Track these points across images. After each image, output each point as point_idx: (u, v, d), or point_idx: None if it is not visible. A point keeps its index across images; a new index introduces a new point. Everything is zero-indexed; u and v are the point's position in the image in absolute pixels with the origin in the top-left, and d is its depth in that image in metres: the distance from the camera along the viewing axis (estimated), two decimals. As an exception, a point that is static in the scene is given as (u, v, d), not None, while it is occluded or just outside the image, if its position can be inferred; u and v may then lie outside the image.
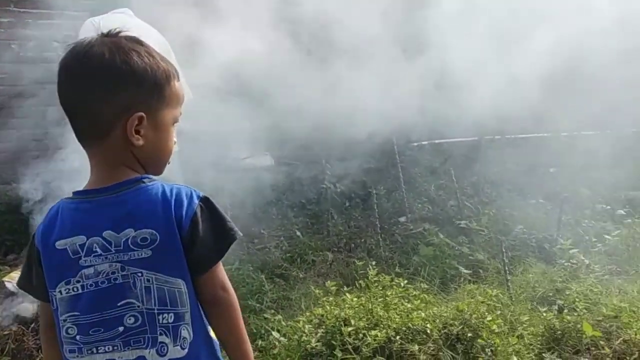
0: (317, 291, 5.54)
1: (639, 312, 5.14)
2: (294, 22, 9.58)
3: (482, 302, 5.07)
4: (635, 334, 4.69)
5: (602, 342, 4.67)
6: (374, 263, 6.11)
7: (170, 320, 2.16)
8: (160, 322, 2.15)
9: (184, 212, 2.14)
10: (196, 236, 2.16)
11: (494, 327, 5.00)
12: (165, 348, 2.15)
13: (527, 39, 11.25)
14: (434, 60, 11.18)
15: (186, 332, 2.18)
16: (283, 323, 5.67)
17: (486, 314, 5.01)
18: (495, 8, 10.90)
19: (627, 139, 11.89)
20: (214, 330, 2.33)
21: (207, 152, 9.34)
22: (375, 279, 5.28)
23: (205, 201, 2.23)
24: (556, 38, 11.07)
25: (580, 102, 11.84)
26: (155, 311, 2.14)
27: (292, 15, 9.51)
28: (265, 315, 6.07)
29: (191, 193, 2.21)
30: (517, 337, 5.08)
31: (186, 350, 2.18)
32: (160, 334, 2.15)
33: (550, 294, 6.24)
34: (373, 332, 4.41)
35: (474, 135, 11.91)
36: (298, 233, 9.35)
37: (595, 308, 5.46)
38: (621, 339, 4.79)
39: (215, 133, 9.45)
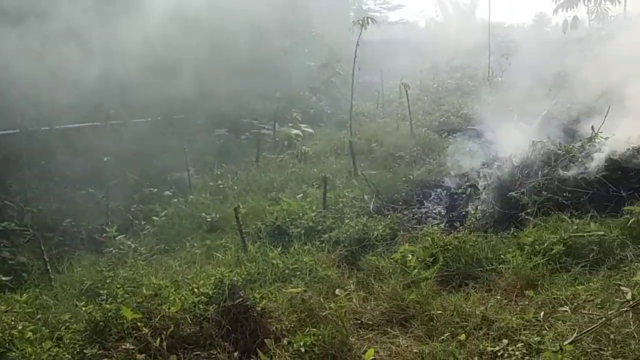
0: None
1: (171, 288, 5.40)
2: None
3: (7, 311, 4.44)
4: (170, 308, 4.91)
5: (140, 324, 4.70)
6: None
7: None
8: None
9: None
10: None
11: (29, 334, 4.48)
12: None
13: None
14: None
15: None
16: None
17: (17, 323, 4.42)
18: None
19: (174, 125, 12.75)
20: None
21: None
22: None
23: None
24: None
25: (133, 92, 12.15)
26: None
27: None
28: None
29: None
30: (56, 339, 4.69)
31: None
32: None
33: (99, 285, 6.05)
34: None
35: (13, 127, 10.72)
36: None
37: (138, 290, 5.49)
38: (160, 315, 4.93)
39: None
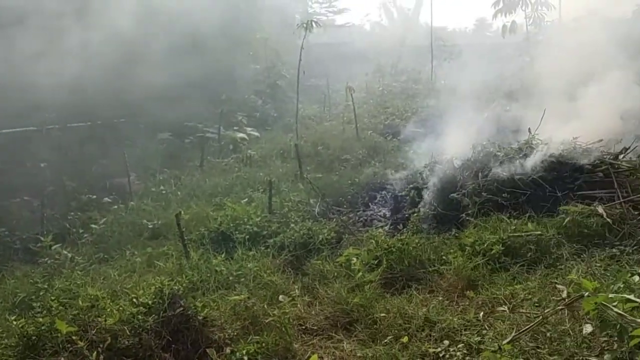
0: None
1: (108, 298, 5.20)
2: None
3: None
4: (106, 320, 4.72)
5: (76, 337, 4.51)
6: None
7: None
8: None
9: None
10: None
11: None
12: None
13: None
14: None
15: None
16: None
17: None
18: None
19: (116, 129, 12.41)
20: None
21: None
22: None
23: None
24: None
25: (73, 95, 11.73)
26: None
27: None
28: None
29: None
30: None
31: None
32: None
33: (32, 297, 5.80)
34: None
35: None
36: None
37: (74, 302, 5.28)
38: (97, 328, 4.74)
39: None
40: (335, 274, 5.90)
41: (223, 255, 6.46)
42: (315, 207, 8.17)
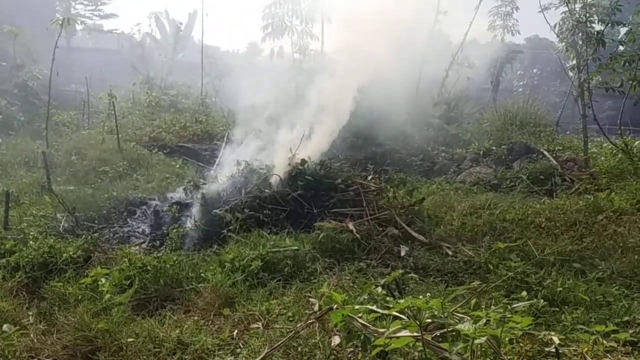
0: None
1: None
2: None
3: None
4: None
5: None
6: None
7: None
8: None
9: None
10: None
11: None
12: None
13: None
14: None
15: None
16: None
17: None
18: None
19: None
20: None
21: None
22: None
23: None
24: None
25: None
26: None
27: None
28: None
29: None
30: None
31: None
32: None
33: None
34: None
35: None
36: None
37: None
38: None
39: None
40: (80, 297, 5.25)
41: None
42: (62, 222, 7.29)
